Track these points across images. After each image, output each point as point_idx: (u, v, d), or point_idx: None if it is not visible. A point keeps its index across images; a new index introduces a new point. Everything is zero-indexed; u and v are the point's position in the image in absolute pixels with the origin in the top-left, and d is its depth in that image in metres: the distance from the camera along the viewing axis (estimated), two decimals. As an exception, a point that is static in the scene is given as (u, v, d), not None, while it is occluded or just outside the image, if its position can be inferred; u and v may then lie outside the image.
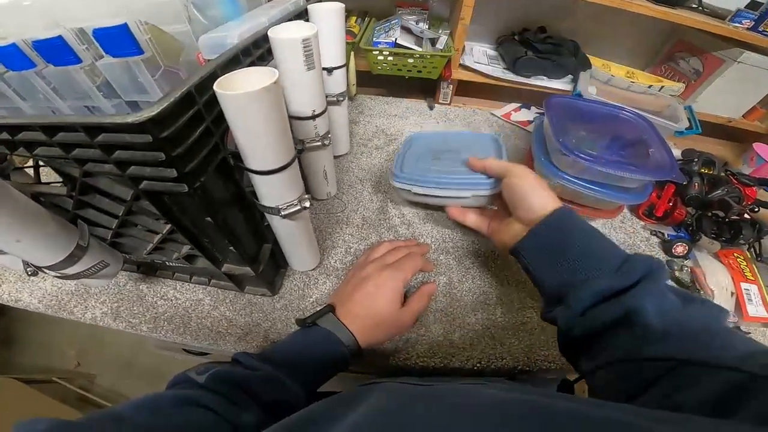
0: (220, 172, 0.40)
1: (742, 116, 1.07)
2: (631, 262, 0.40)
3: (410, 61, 0.94)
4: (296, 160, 0.42)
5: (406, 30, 0.95)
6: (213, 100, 0.33)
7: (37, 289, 0.60)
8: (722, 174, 0.77)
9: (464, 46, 1.01)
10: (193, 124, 0.33)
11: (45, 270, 0.43)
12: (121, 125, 0.27)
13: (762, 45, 0.88)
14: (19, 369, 1.68)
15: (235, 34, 0.40)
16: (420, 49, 0.93)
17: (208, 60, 0.39)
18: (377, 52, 0.93)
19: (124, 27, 0.31)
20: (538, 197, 0.48)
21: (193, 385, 0.38)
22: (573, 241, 0.44)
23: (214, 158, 0.38)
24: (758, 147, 0.94)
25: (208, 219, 0.40)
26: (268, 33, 0.42)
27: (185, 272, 0.60)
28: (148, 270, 0.61)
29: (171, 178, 0.32)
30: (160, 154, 0.30)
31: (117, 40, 0.32)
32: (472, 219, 0.60)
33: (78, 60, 0.34)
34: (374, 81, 1.05)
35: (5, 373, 1.45)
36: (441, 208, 0.69)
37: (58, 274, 0.44)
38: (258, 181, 0.41)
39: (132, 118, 0.27)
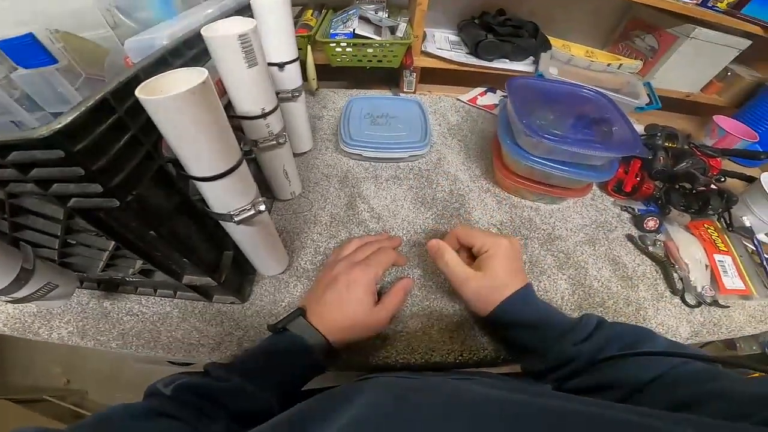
0: (159, 181, 0.37)
1: (701, 90, 1.09)
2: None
3: (369, 50, 0.93)
4: (244, 163, 0.39)
5: (365, 20, 0.93)
6: (138, 107, 0.30)
7: (0, 313, 0.57)
8: (686, 147, 0.77)
9: (425, 33, 1.00)
10: (116, 134, 0.31)
11: (-2, 296, 0.41)
12: (28, 141, 0.25)
13: (713, 21, 0.89)
14: (7, 390, 1.63)
15: (165, 34, 0.38)
16: (379, 38, 0.91)
17: (137, 64, 0.36)
18: (335, 44, 0.91)
19: (30, 37, 0.29)
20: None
21: (161, 396, 0.38)
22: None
23: (149, 168, 0.35)
24: (719, 119, 0.95)
25: (152, 233, 0.38)
26: (202, 31, 0.40)
27: (147, 286, 0.57)
28: (109, 286, 0.58)
29: (97, 194, 0.30)
30: (78, 169, 0.28)
31: (25, 50, 0.30)
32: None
33: None
34: (336, 74, 1.03)
35: None
36: (409, 199, 0.75)
37: (8, 299, 0.42)
38: (203, 189, 0.38)
39: (38, 132, 0.24)
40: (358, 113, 0.88)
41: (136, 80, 0.31)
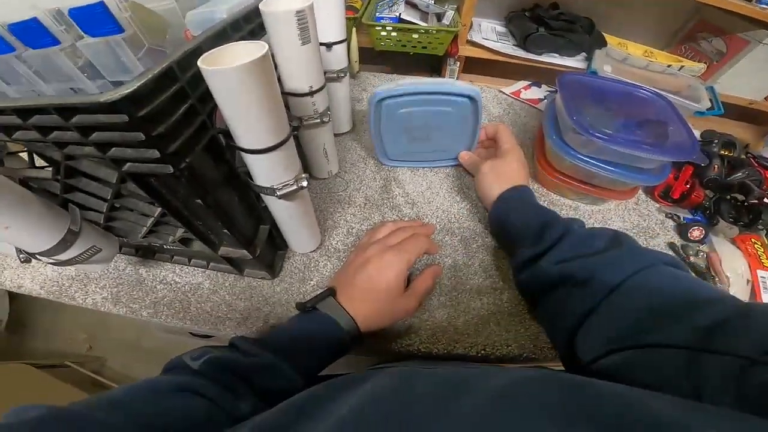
0: (210, 151, 0.38)
1: (765, 98, 1.02)
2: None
3: (415, 36, 0.91)
4: (292, 138, 0.39)
5: (411, 5, 0.92)
6: (198, 77, 0.30)
7: (38, 275, 0.59)
8: (743, 156, 0.74)
9: (472, 22, 0.97)
10: (176, 102, 0.31)
11: (38, 257, 0.42)
12: (94, 105, 0.25)
13: None
14: (32, 354, 1.69)
15: (224, 8, 0.38)
16: (425, 25, 0.89)
17: (197, 36, 0.36)
18: (380, 28, 0.89)
19: (101, 5, 0.29)
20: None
21: (188, 371, 0.37)
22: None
23: (202, 137, 0.36)
24: (782, 130, 0.90)
25: (199, 201, 0.38)
26: (260, 6, 0.40)
27: (183, 255, 0.58)
28: (147, 253, 0.60)
29: (154, 159, 0.31)
30: (139, 134, 0.28)
31: (94, 19, 0.30)
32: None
33: (56, 42, 0.32)
34: (378, 58, 1.02)
35: (18, 358, 1.47)
36: (446, 188, 0.74)
37: (52, 260, 0.43)
38: (250, 161, 0.39)
39: (106, 96, 0.25)
40: (390, 120, 0.67)
41: (198, 51, 0.31)
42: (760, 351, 0.24)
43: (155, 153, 0.30)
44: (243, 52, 0.31)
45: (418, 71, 1.09)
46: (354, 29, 0.89)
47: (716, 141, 0.75)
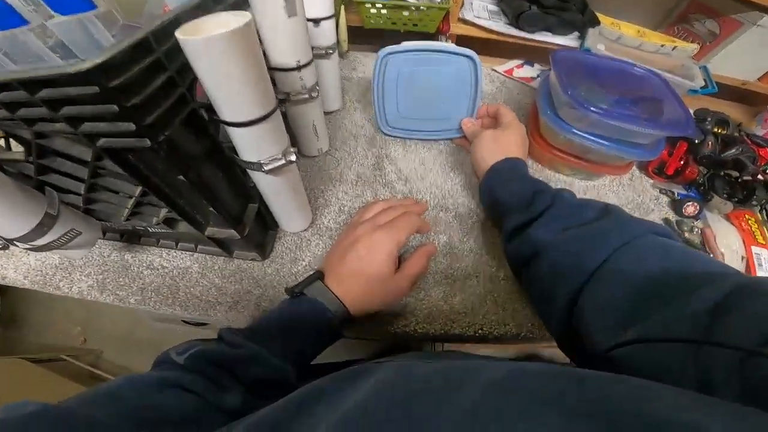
0: (191, 125, 0.36)
1: (758, 79, 1.02)
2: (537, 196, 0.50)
3: (405, 14, 0.89)
4: (278, 111, 0.38)
5: (402, -19, 0.89)
6: (177, 49, 0.29)
7: (21, 265, 0.57)
8: (736, 134, 0.74)
9: (463, 0, 0.95)
10: (152, 74, 0.29)
11: (15, 243, 0.40)
12: (63, 77, 0.24)
13: None
14: (25, 348, 1.66)
15: (206, -19, 0.36)
16: (415, 2, 0.87)
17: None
18: (369, 5, 0.87)
19: None
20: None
21: (175, 366, 0.36)
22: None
23: (181, 110, 0.34)
24: (774, 109, 0.90)
25: (181, 178, 0.36)
26: None
27: (170, 238, 0.57)
28: (132, 238, 0.58)
29: (129, 133, 0.29)
30: (112, 106, 0.26)
31: None
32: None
33: (24, 22, 0.31)
34: (367, 37, 0.99)
35: (13, 353, 1.46)
36: (439, 164, 0.73)
37: (30, 246, 0.41)
38: (235, 134, 0.37)
39: (75, 67, 0.23)
40: (393, 81, 0.68)
41: (176, 22, 0.29)
42: (758, 341, 0.24)
43: (131, 126, 0.28)
44: (225, 21, 0.29)
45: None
46: (342, 7, 0.86)
47: (709, 119, 0.75)
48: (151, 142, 0.30)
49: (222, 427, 0.26)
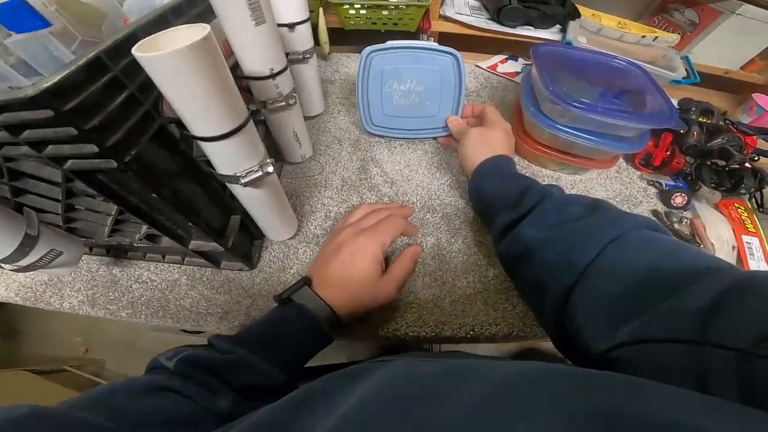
0: (161, 142, 0.36)
1: (740, 68, 1.03)
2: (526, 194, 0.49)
3: (384, 13, 0.88)
4: (251, 123, 0.37)
5: (380, -20, 0.88)
6: (136, 65, 0.28)
7: (12, 282, 0.57)
8: (721, 123, 0.73)
9: (444, -4, 0.94)
10: (111, 93, 0.29)
11: (1, 265, 0.40)
12: (15, 101, 0.23)
13: None
14: (27, 360, 1.66)
15: (166, -6, 0.35)
16: (394, 0, 0.86)
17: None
18: (348, 6, 0.86)
19: (18, 0, 0.27)
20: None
21: (164, 370, 0.37)
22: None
23: (148, 128, 0.33)
24: (758, 97, 0.90)
25: (154, 195, 0.36)
26: None
27: (156, 252, 0.56)
28: (119, 253, 0.58)
29: (93, 155, 0.29)
30: (70, 129, 0.26)
31: (15, 15, 0.29)
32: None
33: None
34: (349, 38, 0.99)
35: (15, 365, 1.45)
36: (424, 164, 0.73)
37: (14, 267, 0.41)
38: (208, 149, 0.36)
39: (25, 92, 0.23)
40: (377, 79, 0.69)
41: (133, 38, 0.29)
42: (754, 340, 0.24)
43: (93, 148, 0.28)
44: (184, 35, 0.29)
45: (392, 49, 1.06)
46: (321, 9, 0.86)
47: (694, 108, 0.75)
48: (117, 163, 0.30)
49: (217, 428, 0.26)
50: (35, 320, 1.79)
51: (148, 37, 0.28)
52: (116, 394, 0.33)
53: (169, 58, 0.26)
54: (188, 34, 0.28)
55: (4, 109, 0.25)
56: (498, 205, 0.53)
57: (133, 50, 0.27)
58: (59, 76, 0.24)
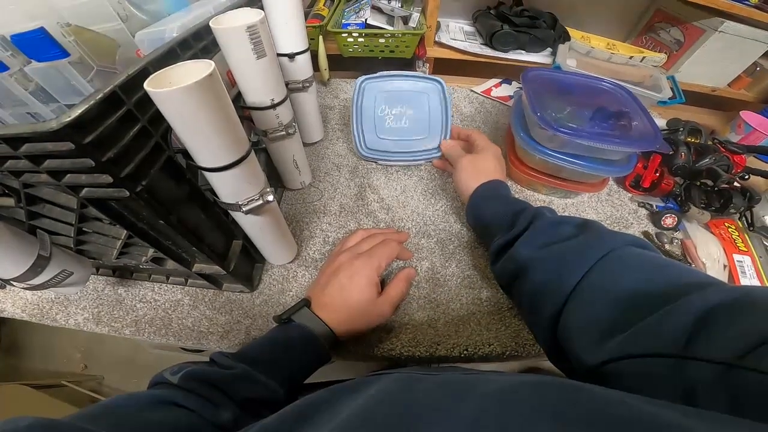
0: (169, 171, 0.38)
1: (728, 85, 1.05)
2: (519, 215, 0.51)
3: (381, 41, 0.92)
4: (253, 153, 0.40)
5: (377, 9, 0.92)
6: (147, 99, 0.30)
7: (18, 299, 0.59)
8: (709, 142, 0.75)
9: (439, 23, 0.98)
10: (125, 126, 0.31)
11: (12, 282, 0.42)
12: (40, 134, 0.25)
13: (742, 14, 0.85)
14: (27, 375, 1.66)
15: (174, 27, 0.38)
16: (391, 29, 0.90)
17: (148, 56, 0.36)
18: (346, 34, 0.90)
19: (41, 31, 0.29)
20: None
21: (169, 385, 0.38)
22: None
23: (157, 159, 0.36)
24: (746, 115, 0.91)
25: (162, 222, 0.38)
26: (210, 23, 0.39)
27: (161, 273, 0.58)
28: (124, 273, 0.60)
29: (108, 184, 0.31)
30: (88, 160, 0.28)
31: (37, 44, 0.31)
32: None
33: (5, 68, 0.33)
34: (348, 63, 1.02)
35: (14, 380, 1.45)
36: (420, 190, 0.75)
37: (26, 286, 0.43)
38: (212, 179, 0.39)
39: (49, 125, 0.25)
40: (371, 105, 0.76)
41: (145, 73, 0.31)
42: (739, 352, 0.24)
43: (108, 178, 0.30)
44: (191, 71, 0.31)
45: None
46: (321, 37, 0.89)
47: (682, 129, 0.76)
48: (129, 192, 0.32)
49: None
50: (37, 335, 1.80)
51: (158, 72, 0.30)
52: (120, 407, 0.34)
53: (178, 94, 0.28)
54: (195, 69, 0.30)
55: (28, 140, 0.27)
56: (493, 227, 0.55)
57: (145, 85, 0.28)
58: (80, 111, 0.26)
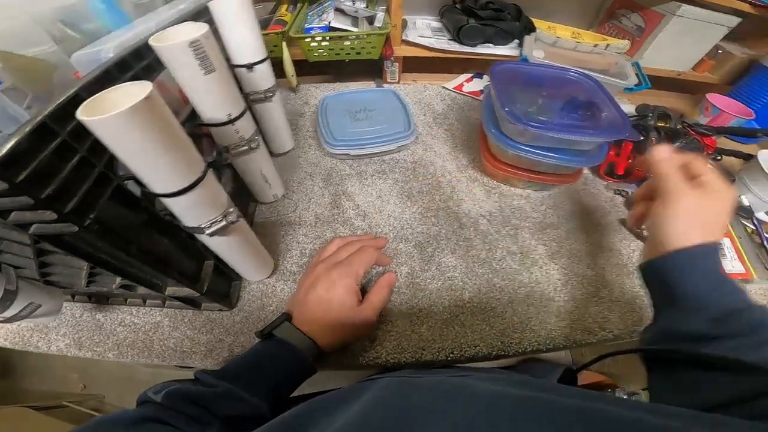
0: (120, 200, 0.37)
1: (692, 69, 1.06)
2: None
3: (346, 43, 0.91)
4: (209, 174, 0.38)
5: (341, 11, 0.91)
6: (84, 127, 0.27)
7: (0, 328, 0.58)
8: (679, 126, 0.75)
9: (405, 21, 0.97)
10: (63, 157, 0.30)
11: (-16, 317, 0.41)
12: None
13: None
14: (26, 397, 1.64)
15: (110, 46, 0.36)
16: (355, 30, 0.89)
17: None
18: (310, 39, 0.88)
19: None
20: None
21: (152, 404, 0.38)
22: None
23: (104, 189, 0.34)
24: (712, 97, 0.92)
25: (121, 252, 0.37)
26: (150, 41, 0.37)
27: (136, 297, 0.57)
28: (100, 299, 0.58)
29: (53, 220, 0.29)
30: (25, 198, 0.27)
31: None
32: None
33: None
34: (318, 68, 1.01)
35: (13, 402, 1.45)
36: (395, 194, 0.74)
37: (-1, 319, 0.42)
38: (169, 204, 0.37)
39: None
40: (334, 111, 0.84)
41: (77, 99, 0.29)
42: None
43: (52, 214, 0.29)
44: (128, 94, 0.28)
45: (360, 76, 1.08)
46: (284, 43, 0.88)
47: (651, 114, 0.76)
48: (78, 227, 0.31)
49: None
50: (31, 357, 1.76)
51: (92, 97, 0.28)
52: (106, 425, 0.34)
53: (112, 120, 0.26)
54: (132, 92, 0.28)
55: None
56: (689, 304, 0.40)
57: (77, 113, 0.27)
58: (7, 147, 0.24)
